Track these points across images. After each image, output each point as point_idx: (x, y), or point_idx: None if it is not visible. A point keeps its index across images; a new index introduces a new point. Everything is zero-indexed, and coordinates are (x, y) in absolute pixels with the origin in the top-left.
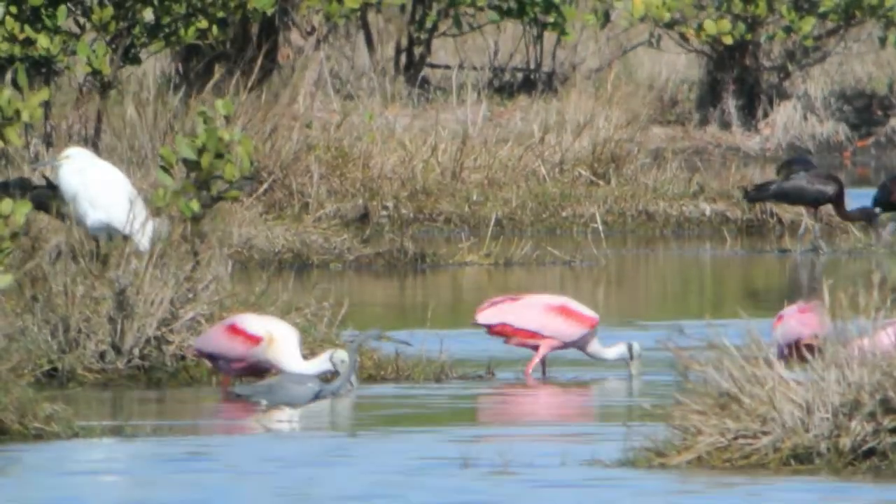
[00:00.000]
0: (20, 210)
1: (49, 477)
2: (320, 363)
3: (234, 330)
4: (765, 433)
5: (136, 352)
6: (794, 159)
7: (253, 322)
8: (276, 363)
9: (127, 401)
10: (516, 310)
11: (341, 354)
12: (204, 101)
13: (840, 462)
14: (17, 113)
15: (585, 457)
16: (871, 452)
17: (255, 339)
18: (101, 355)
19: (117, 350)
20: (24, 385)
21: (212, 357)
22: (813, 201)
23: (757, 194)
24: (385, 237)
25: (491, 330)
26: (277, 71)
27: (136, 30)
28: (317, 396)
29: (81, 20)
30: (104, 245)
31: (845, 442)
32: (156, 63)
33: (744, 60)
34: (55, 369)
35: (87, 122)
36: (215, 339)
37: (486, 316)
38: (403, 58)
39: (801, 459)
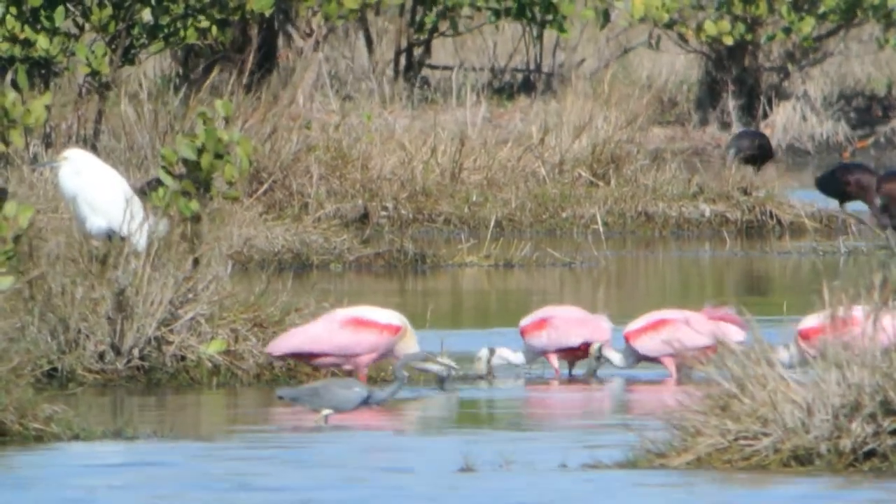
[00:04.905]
0: (24, 213)
1: (49, 477)
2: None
3: (361, 323)
4: (765, 434)
5: (136, 352)
6: (743, 133)
7: (379, 313)
8: (398, 354)
9: (128, 403)
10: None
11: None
12: (203, 102)
13: (840, 463)
14: (23, 114)
15: (586, 458)
16: (871, 454)
17: (393, 329)
18: (101, 356)
19: (117, 350)
20: (24, 386)
21: (314, 355)
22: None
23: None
24: (385, 238)
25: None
26: (277, 72)
27: (135, 30)
28: (364, 402)
29: (80, 21)
30: (103, 245)
31: (846, 443)
32: (155, 64)
33: (743, 61)
34: (55, 370)
35: (87, 122)
36: (333, 336)
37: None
38: (402, 59)
39: (801, 461)
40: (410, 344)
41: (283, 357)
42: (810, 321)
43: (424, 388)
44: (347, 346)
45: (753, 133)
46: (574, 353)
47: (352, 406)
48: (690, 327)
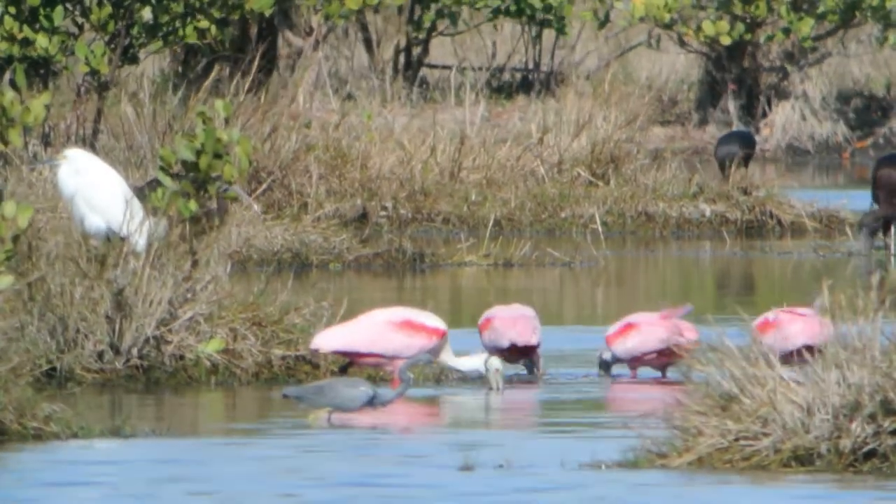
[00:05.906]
0: (23, 213)
1: (48, 476)
2: (473, 362)
3: (412, 326)
4: (765, 434)
5: (135, 352)
6: (732, 133)
7: (425, 316)
8: (441, 356)
9: (126, 402)
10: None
11: (496, 363)
12: (203, 102)
13: (840, 464)
14: (22, 113)
15: (585, 457)
16: (871, 454)
17: (440, 333)
18: (100, 355)
19: (116, 350)
20: (23, 385)
21: (360, 355)
22: None
23: None
24: (384, 237)
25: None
26: (276, 71)
27: (135, 29)
28: (370, 402)
29: (80, 20)
30: (102, 245)
31: (846, 443)
32: (154, 63)
33: (743, 61)
34: (54, 369)
35: (86, 122)
36: (387, 339)
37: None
38: (402, 58)
39: (801, 461)
40: (448, 346)
41: (328, 353)
42: (760, 318)
43: (426, 389)
44: (399, 349)
45: (736, 134)
46: (508, 355)
47: (357, 405)
48: (652, 329)
